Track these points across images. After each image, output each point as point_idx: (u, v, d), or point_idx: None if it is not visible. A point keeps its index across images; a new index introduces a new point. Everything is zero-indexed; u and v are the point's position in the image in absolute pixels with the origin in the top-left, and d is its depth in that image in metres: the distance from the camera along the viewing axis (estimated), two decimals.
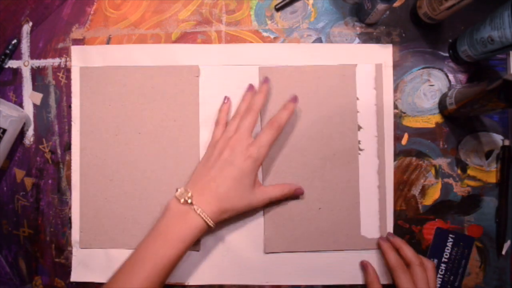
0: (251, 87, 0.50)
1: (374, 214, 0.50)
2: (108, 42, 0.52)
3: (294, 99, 0.48)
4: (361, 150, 0.50)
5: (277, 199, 0.48)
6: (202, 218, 0.42)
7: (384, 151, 0.50)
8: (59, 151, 0.52)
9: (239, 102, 0.50)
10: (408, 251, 0.46)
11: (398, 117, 0.51)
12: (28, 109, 0.52)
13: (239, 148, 0.44)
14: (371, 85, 0.51)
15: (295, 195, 0.49)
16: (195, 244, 0.49)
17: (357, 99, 0.51)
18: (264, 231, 0.50)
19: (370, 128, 0.51)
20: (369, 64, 0.51)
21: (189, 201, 0.42)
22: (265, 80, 0.49)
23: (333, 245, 0.50)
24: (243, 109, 0.48)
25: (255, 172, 0.45)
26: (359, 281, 0.49)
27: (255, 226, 0.50)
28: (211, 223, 0.42)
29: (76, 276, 0.51)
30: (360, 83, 0.51)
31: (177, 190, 0.44)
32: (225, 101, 0.50)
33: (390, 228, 0.50)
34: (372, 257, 0.50)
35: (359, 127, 0.51)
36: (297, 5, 0.52)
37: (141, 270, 0.40)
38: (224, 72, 0.51)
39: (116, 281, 0.41)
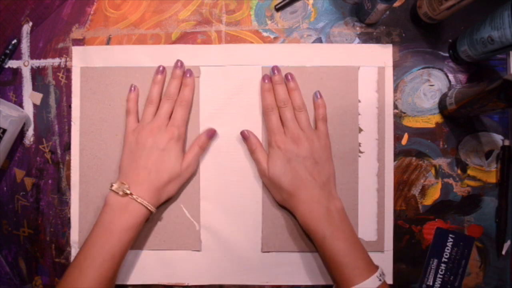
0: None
1: (372, 217, 0.50)
2: (108, 42, 0.52)
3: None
4: (361, 152, 0.50)
5: (200, 153, 0.49)
6: (143, 205, 0.44)
7: (385, 154, 0.50)
8: (59, 151, 0.52)
9: (164, 86, 0.50)
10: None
11: (398, 117, 0.51)
12: (28, 109, 0.52)
13: (160, 133, 0.46)
14: (373, 87, 0.51)
15: (210, 138, 0.50)
16: (196, 244, 0.50)
17: (359, 101, 0.51)
18: (262, 230, 0.50)
19: (371, 130, 0.50)
20: (372, 66, 0.51)
21: (128, 191, 0.44)
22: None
23: None
24: (155, 95, 0.49)
25: (180, 149, 0.47)
26: None
27: (254, 225, 0.50)
28: (152, 209, 0.45)
29: None
30: (362, 86, 0.51)
31: (112, 186, 0.45)
32: (133, 89, 0.50)
33: (389, 230, 0.50)
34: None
35: (360, 130, 0.50)
36: (297, 5, 0.52)
37: (91, 269, 0.41)
38: (224, 72, 0.51)
39: (69, 280, 0.42)
